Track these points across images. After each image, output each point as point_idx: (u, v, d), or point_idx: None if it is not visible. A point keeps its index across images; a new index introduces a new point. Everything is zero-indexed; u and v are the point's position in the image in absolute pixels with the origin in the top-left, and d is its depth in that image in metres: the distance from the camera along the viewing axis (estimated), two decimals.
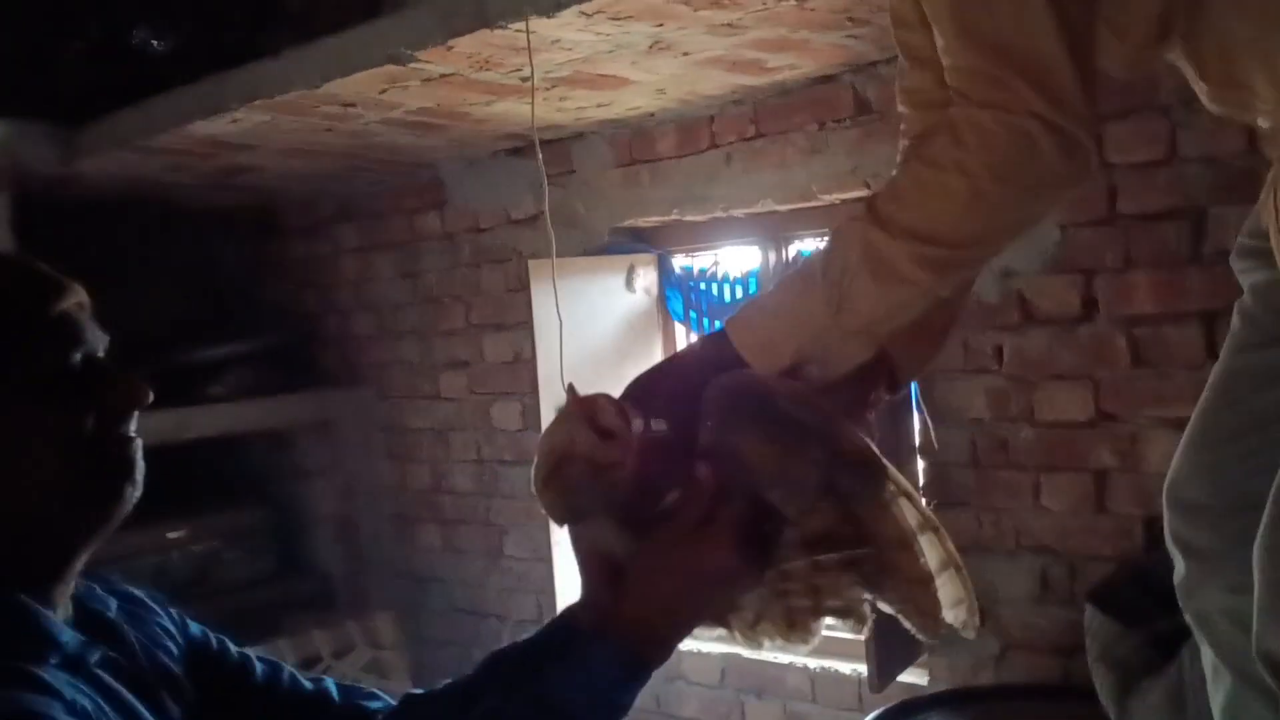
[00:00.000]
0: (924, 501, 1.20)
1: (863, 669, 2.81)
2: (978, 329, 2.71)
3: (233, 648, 1.31)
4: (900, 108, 1.40)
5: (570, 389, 1.20)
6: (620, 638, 1.12)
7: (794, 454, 1.14)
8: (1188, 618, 1.46)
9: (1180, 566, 1.44)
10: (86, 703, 1.02)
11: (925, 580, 1.16)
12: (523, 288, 3.56)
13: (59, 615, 1.10)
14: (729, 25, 2.33)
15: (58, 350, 1.08)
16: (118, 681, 1.10)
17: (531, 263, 3.25)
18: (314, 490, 4.11)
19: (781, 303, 1.18)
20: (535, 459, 1.18)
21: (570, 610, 1.27)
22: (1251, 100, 1.25)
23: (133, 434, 1.13)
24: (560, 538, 3.55)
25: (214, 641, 1.30)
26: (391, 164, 3.62)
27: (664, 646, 1.15)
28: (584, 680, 1.11)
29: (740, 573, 1.15)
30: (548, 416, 3.73)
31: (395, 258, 4.04)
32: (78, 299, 1.12)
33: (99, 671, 1.08)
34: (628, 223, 3.39)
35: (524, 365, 3.64)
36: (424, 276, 3.95)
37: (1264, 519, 1.20)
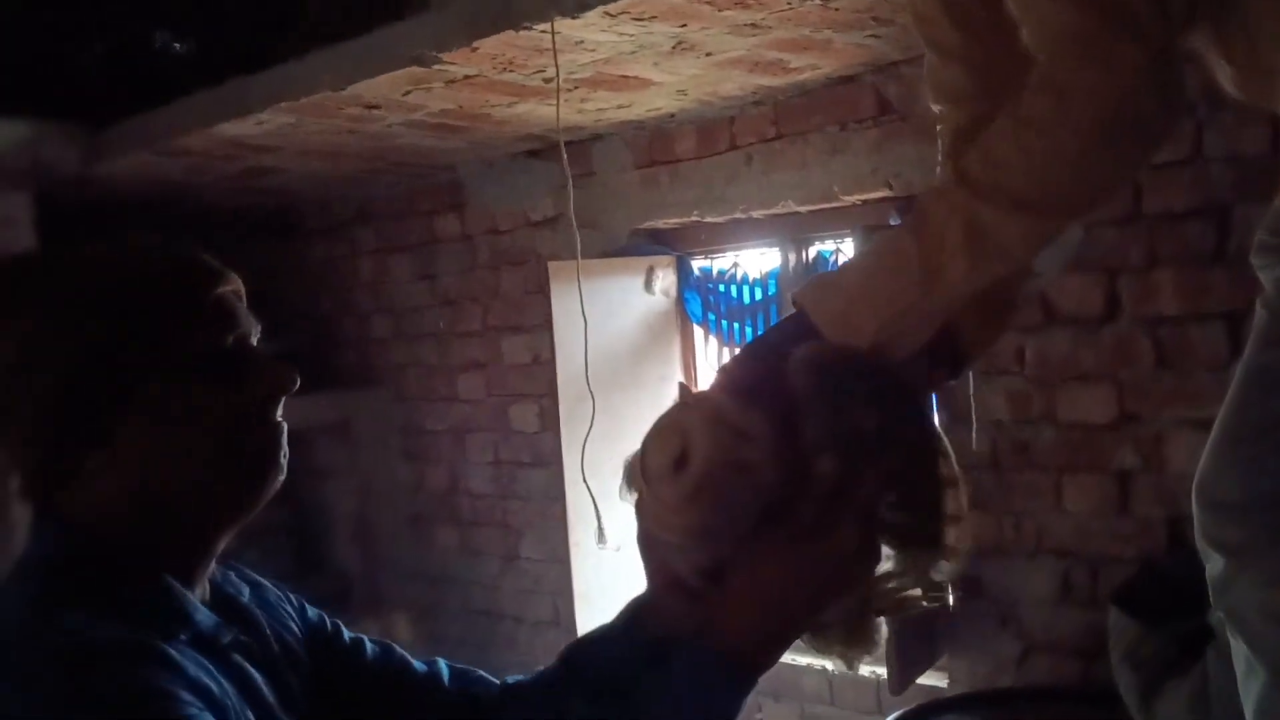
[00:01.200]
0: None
1: (881, 671, 2.81)
2: None
3: (345, 631, 1.35)
4: (933, 105, 1.40)
5: (683, 387, 1.13)
6: (729, 647, 1.05)
7: (901, 424, 1.11)
8: (1221, 614, 1.46)
9: (1214, 564, 1.44)
10: (211, 683, 1.04)
11: (958, 518, 1.16)
12: (540, 289, 3.57)
13: (196, 595, 1.13)
14: (752, 25, 2.34)
15: (213, 332, 1.12)
16: (249, 664, 1.14)
17: (551, 264, 3.26)
18: (331, 490, 4.12)
19: (866, 280, 1.15)
20: (649, 466, 1.08)
21: (647, 610, 1.20)
22: (1275, 88, 1.24)
23: (279, 419, 1.16)
24: (580, 539, 3.55)
25: (329, 624, 1.33)
26: (411, 166, 3.63)
27: (775, 652, 1.09)
28: (691, 696, 1.05)
29: (867, 565, 1.10)
30: (567, 418, 3.73)
31: (413, 260, 4.05)
32: (234, 286, 1.17)
33: (231, 653, 1.12)
34: (647, 224, 3.39)
35: (542, 367, 3.64)
36: (442, 278, 3.96)
37: None
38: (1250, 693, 1.39)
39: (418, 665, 1.35)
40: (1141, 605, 2.12)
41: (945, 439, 1.17)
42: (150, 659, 1.01)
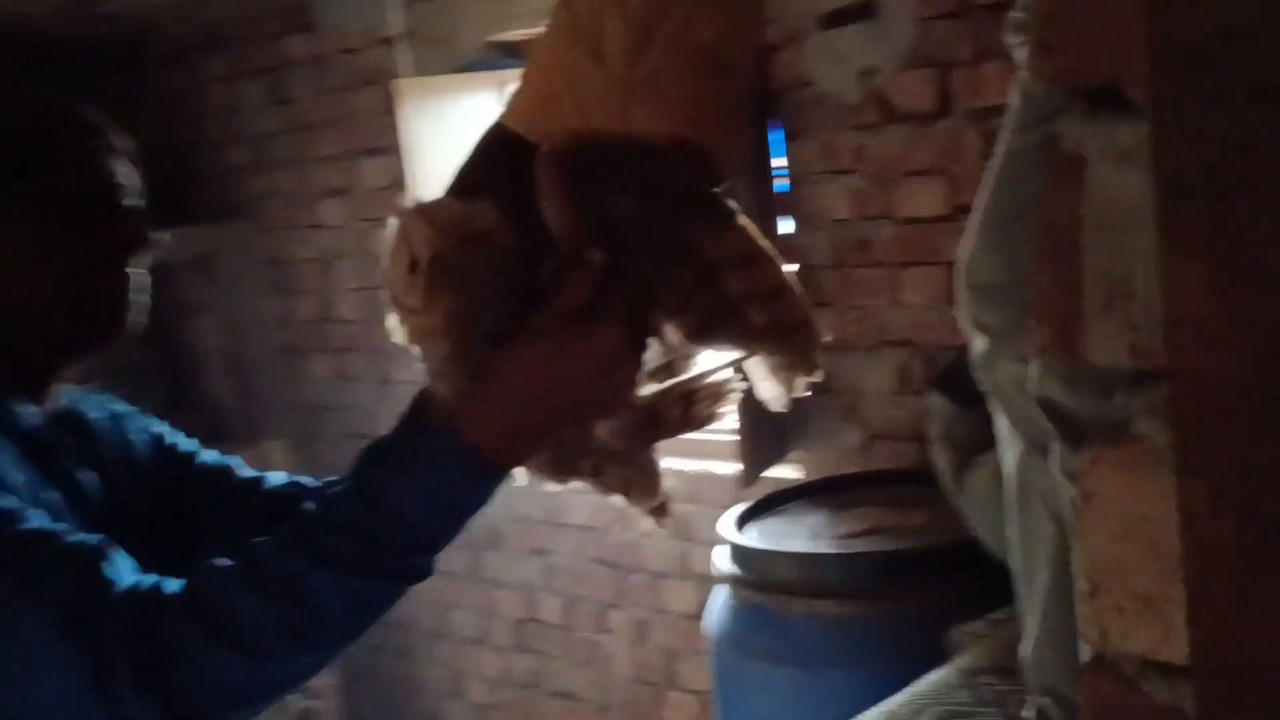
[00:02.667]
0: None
1: (739, 468, 2.91)
2: (838, 130, 2.74)
3: (185, 442, 1.44)
4: None
5: (398, 209, 1.07)
6: (471, 432, 1.02)
7: (657, 211, 1.06)
8: (987, 392, 1.54)
9: (977, 344, 1.51)
10: (11, 469, 1.16)
11: (784, 287, 1.11)
12: (389, 110, 3.52)
13: (38, 408, 1.25)
14: None
15: (80, 180, 1.22)
16: (77, 464, 1.27)
17: (396, 84, 3.21)
18: (200, 326, 4.09)
19: (542, 74, 1.11)
20: (392, 287, 1.04)
21: (423, 396, 1.17)
22: None
23: (133, 271, 1.25)
24: None
25: (173, 439, 1.43)
26: None
27: (521, 448, 1.06)
28: (420, 476, 1.03)
29: (625, 360, 1.05)
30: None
31: (264, 85, 3.94)
32: (121, 146, 1.26)
33: (56, 451, 1.24)
34: (499, 37, 3.34)
35: (401, 190, 3.61)
36: (295, 103, 3.87)
37: None
38: (1008, 461, 1.48)
39: (246, 472, 1.43)
40: (957, 388, 2.21)
41: (751, 232, 1.11)
42: None
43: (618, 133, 1.10)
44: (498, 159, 1.12)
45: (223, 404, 4.15)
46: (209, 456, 1.43)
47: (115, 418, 1.39)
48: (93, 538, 1.09)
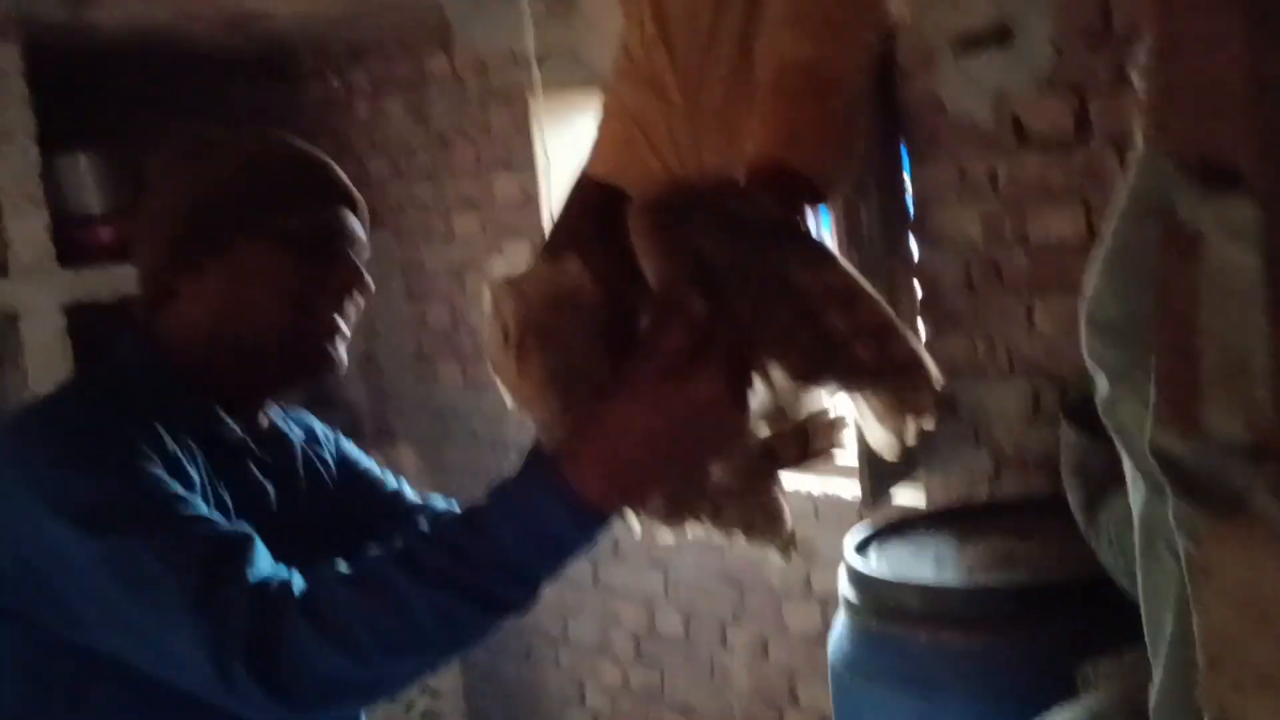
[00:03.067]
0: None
1: (860, 490, 2.89)
2: (972, 154, 2.71)
3: (371, 465, 1.59)
4: None
5: (490, 282, 1.08)
6: (572, 476, 1.04)
7: (753, 251, 1.04)
8: (1112, 433, 1.51)
9: (1101, 384, 1.48)
10: (188, 465, 1.26)
11: (889, 324, 1.07)
12: (525, 127, 3.59)
13: (238, 425, 1.37)
14: None
15: (320, 222, 1.35)
16: (262, 475, 1.38)
17: (533, 101, 3.27)
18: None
19: (615, 114, 1.10)
20: (492, 359, 1.06)
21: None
22: None
23: (342, 325, 1.38)
24: None
25: (356, 456, 1.57)
26: (396, 5, 3.61)
27: (624, 494, 1.07)
28: (520, 511, 1.06)
29: (728, 407, 1.03)
30: None
31: (406, 100, 4.05)
32: (360, 209, 1.43)
33: (245, 460, 1.37)
34: None
35: (533, 205, 3.68)
36: (434, 119, 3.97)
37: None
38: (1135, 504, 1.46)
39: (412, 496, 1.57)
40: (1092, 420, 2.17)
41: (849, 269, 1.08)
42: (129, 419, 1.24)
43: (705, 175, 1.10)
44: (588, 210, 1.14)
45: (357, 405, 4.27)
46: (389, 479, 1.57)
47: (312, 437, 1.52)
48: (242, 529, 1.18)
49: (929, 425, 1.10)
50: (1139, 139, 1.40)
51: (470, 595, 1.07)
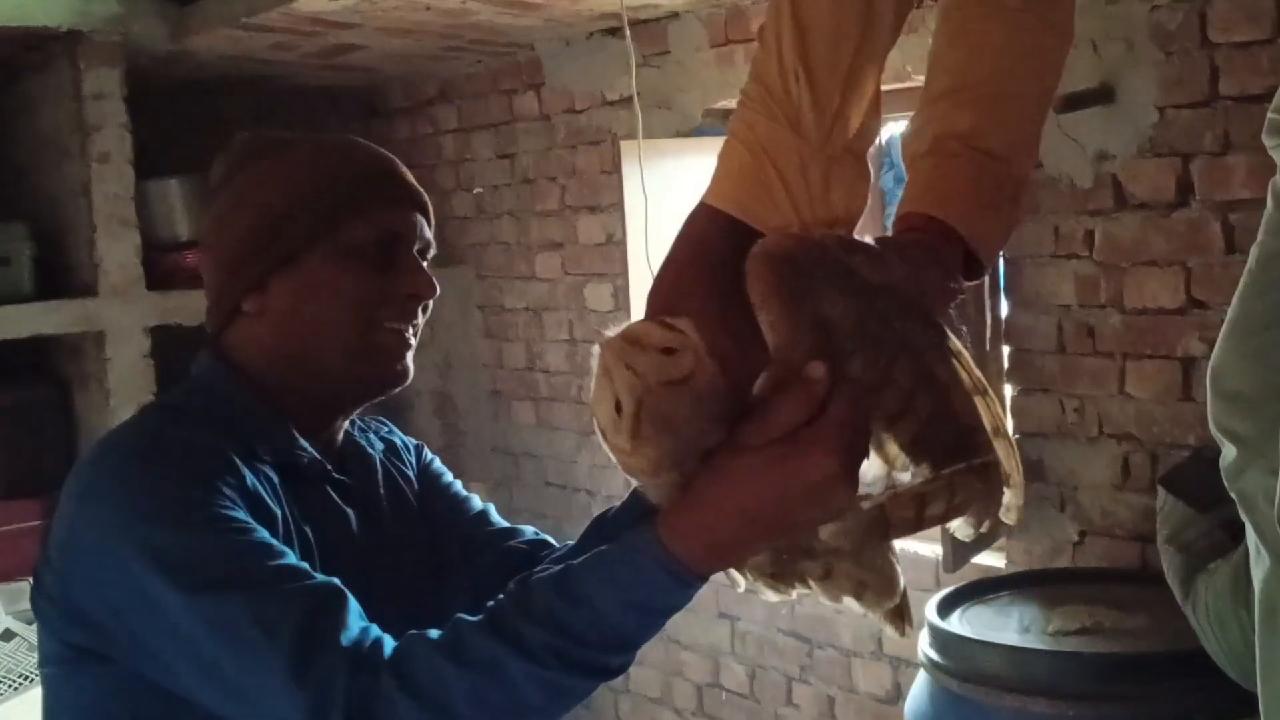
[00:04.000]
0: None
1: (940, 550, 2.84)
2: (1069, 214, 2.67)
3: (458, 486, 1.55)
4: None
5: (601, 337, 1.00)
6: (674, 542, 1.01)
7: (878, 317, 0.99)
8: (1236, 501, 1.47)
9: (1226, 452, 1.44)
10: (268, 498, 1.24)
11: (997, 433, 1.02)
12: (616, 169, 3.59)
13: (315, 443, 1.34)
14: None
15: (381, 229, 1.30)
16: (343, 500, 1.36)
17: (623, 143, 3.27)
18: (414, 365, 4.23)
19: (744, 140, 1.05)
20: (599, 422, 0.99)
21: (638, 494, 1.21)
22: None
23: (410, 335, 1.34)
24: None
25: (445, 476, 1.54)
26: (489, 44, 3.65)
27: (724, 559, 1.04)
28: (622, 577, 1.04)
29: (839, 482, 0.97)
30: (640, 298, 3.77)
31: (493, 138, 4.09)
32: (421, 206, 1.36)
33: (325, 486, 1.34)
34: (721, 104, 3.38)
35: (616, 247, 3.68)
36: (520, 157, 4.00)
37: None
38: (1257, 575, 1.41)
39: (499, 520, 1.53)
40: (1190, 490, 2.12)
41: (963, 346, 1.04)
42: (209, 456, 1.21)
43: (833, 233, 1.04)
44: (703, 248, 1.05)
45: (430, 442, 4.27)
46: (474, 500, 1.54)
47: (392, 450, 1.49)
48: (331, 584, 1.15)
49: (1001, 531, 1.06)
50: (1277, 181, 1.37)
51: (574, 667, 1.05)
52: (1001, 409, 1.06)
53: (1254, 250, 1.41)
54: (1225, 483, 1.45)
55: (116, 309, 3.41)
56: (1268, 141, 1.37)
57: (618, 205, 3.59)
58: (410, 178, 1.37)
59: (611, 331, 0.98)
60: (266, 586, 1.13)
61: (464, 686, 1.05)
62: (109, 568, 1.17)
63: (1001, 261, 2.83)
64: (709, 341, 0.98)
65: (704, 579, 1.03)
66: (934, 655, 2.22)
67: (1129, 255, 2.60)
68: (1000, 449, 1.03)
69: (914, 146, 1.14)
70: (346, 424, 1.41)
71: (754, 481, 0.98)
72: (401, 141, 4.35)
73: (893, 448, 1.02)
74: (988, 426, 1.02)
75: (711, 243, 1.05)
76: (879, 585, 1.08)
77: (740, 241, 1.04)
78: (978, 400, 1.02)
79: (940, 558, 2.84)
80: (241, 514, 1.18)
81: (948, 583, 2.78)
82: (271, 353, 1.31)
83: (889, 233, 1.14)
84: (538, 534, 1.51)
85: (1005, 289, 2.83)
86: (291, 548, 1.21)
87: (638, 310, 3.32)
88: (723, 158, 1.10)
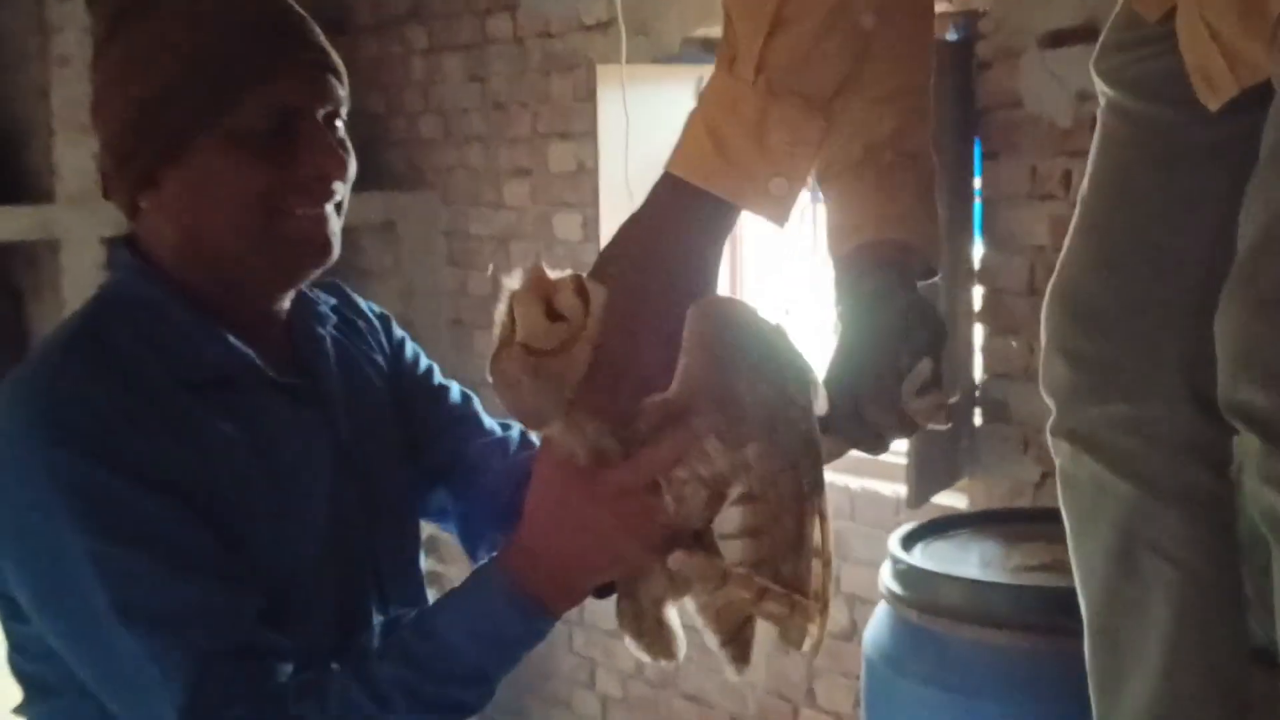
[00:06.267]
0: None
1: (902, 489, 2.85)
2: (1047, 154, 2.65)
3: (437, 375, 1.43)
4: None
5: (534, 267, 0.98)
6: (518, 573, 1.04)
7: (784, 422, 0.98)
8: (1056, 441, 1.44)
9: (1061, 376, 1.41)
10: (219, 425, 1.13)
11: (817, 597, 1.02)
12: (589, 97, 3.54)
13: (256, 346, 1.19)
14: None
15: (277, 106, 1.14)
16: (300, 403, 1.22)
17: (600, 68, 3.22)
18: (375, 291, 4.17)
19: (699, 99, 1.03)
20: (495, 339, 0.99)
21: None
22: None
23: (324, 209, 1.18)
24: None
25: (421, 363, 1.42)
26: None
27: (568, 592, 1.06)
28: (470, 609, 1.06)
29: (644, 536, 1.01)
30: (609, 229, 3.75)
31: (464, 61, 4.01)
32: (328, 62, 1.19)
33: (273, 394, 1.20)
34: (700, 32, 3.33)
35: (586, 176, 3.63)
36: (492, 81, 3.92)
37: (1241, 262, 1.12)
38: (1112, 514, 1.40)
39: (491, 424, 1.41)
40: None
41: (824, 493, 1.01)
42: (122, 416, 1.08)
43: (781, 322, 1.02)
44: (662, 214, 1.01)
45: None
46: (455, 390, 1.43)
47: (352, 331, 1.34)
48: (243, 622, 1.08)
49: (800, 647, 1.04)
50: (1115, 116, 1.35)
51: (432, 707, 1.05)
52: (831, 580, 1.04)
53: (1097, 166, 1.39)
54: (1055, 415, 1.42)
55: (73, 216, 3.34)
56: (1108, 63, 1.36)
57: (590, 133, 3.55)
58: (312, 29, 1.19)
59: (547, 269, 0.97)
60: (167, 625, 1.06)
61: None
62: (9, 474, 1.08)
63: (978, 202, 2.82)
64: (612, 324, 0.96)
65: (550, 613, 1.05)
66: (895, 588, 2.21)
67: None
68: (815, 606, 1.01)
69: (844, 155, 1.12)
70: (288, 306, 1.26)
71: (586, 520, 1.00)
72: (368, 61, 4.26)
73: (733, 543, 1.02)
74: (814, 584, 1.01)
75: (669, 213, 1.00)
76: (659, 643, 1.08)
77: (703, 209, 1.00)
78: (816, 560, 1.01)
79: (902, 497, 2.84)
80: (153, 501, 1.07)
81: (909, 519, 2.78)
82: (178, 251, 1.17)
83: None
84: (508, 431, 1.41)
85: (979, 229, 2.81)
86: (244, 484, 1.13)
87: (607, 242, 3.26)
88: (690, 124, 1.05)
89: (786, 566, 1.00)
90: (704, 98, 1.01)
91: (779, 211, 1.00)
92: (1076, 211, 1.45)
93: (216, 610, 1.06)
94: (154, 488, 1.07)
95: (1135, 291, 1.36)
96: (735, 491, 1.00)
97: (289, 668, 1.07)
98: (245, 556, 1.11)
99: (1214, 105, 1.23)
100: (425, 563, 1.38)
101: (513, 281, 0.98)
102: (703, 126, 0.99)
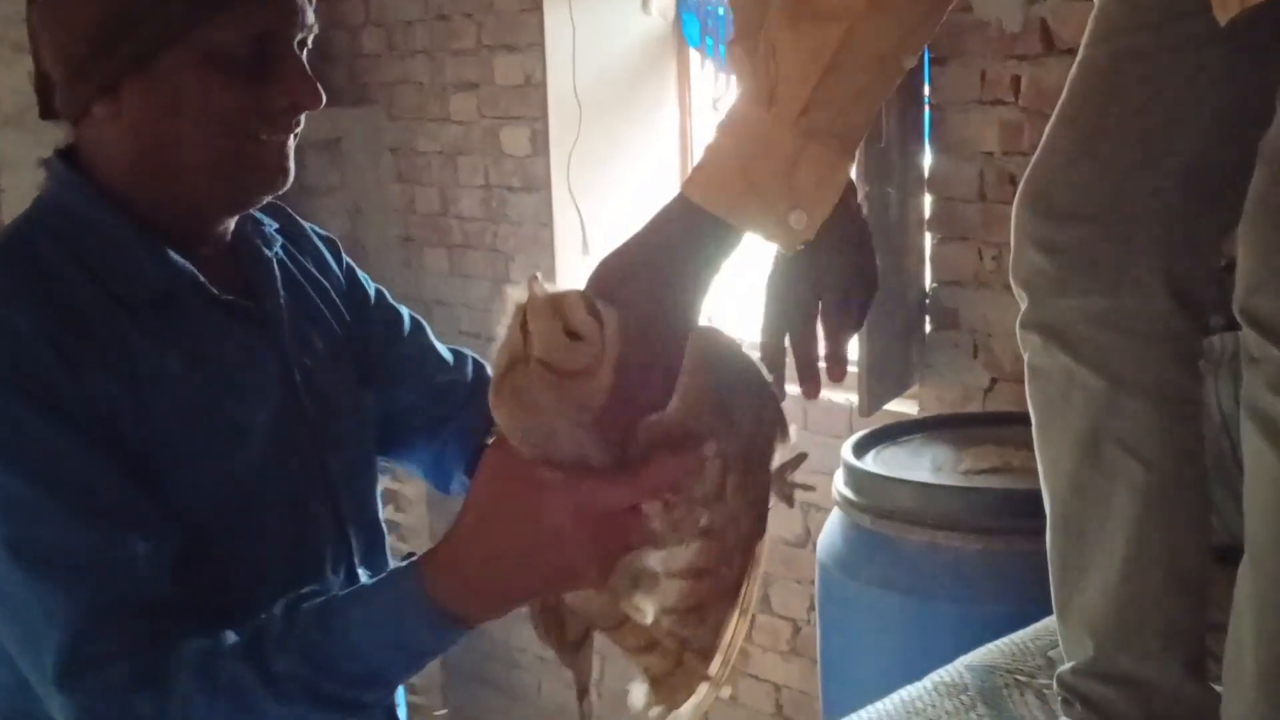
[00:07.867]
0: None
1: (854, 398, 2.86)
2: (996, 58, 2.65)
3: (389, 299, 1.41)
4: None
5: (534, 279, 0.92)
6: (434, 580, 0.97)
7: (758, 457, 0.98)
8: (1026, 334, 1.44)
9: (1035, 269, 1.41)
10: (153, 350, 1.10)
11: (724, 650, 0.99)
12: (535, 7, 3.48)
13: (195, 262, 1.17)
14: None
15: (254, 28, 1.10)
16: (244, 322, 1.19)
17: None
18: (321, 209, 4.11)
19: (719, 132, 1.00)
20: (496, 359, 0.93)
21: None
22: None
23: (287, 138, 1.15)
24: (568, 265, 3.57)
25: (371, 290, 1.39)
26: None
27: (485, 605, 0.98)
28: (379, 611, 1.00)
29: (592, 567, 0.94)
30: (558, 142, 3.69)
31: None
32: None
33: (215, 310, 1.17)
34: None
35: (534, 89, 3.59)
36: None
37: (1258, 181, 1.14)
38: (1086, 408, 1.40)
39: (446, 353, 1.40)
40: None
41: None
42: (76, 321, 1.07)
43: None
44: (672, 237, 0.98)
45: None
46: (405, 315, 1.41)
47: (294, 252, 1.31)
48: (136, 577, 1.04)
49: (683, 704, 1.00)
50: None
51: (329, 704, 1.01)
52: (745, 636, 1.01)
53: (1086, 60, 1.38)
54: (1025, 308, 1.42)
55: (10, 138, 3.27)
56: None
57: (538, 45, 3.50)
58: None
59: (545, 284, 0.92)
60: (58, 570, 1.02)
61: (215, 714, 1.00)
62: None
63: (926, 108, 2.81)
64: (626, 351, 0.91)
65: (464, 624, 0.98)
66: (848, 493, 2.24)
67: (1055, 102, 2.57)
68: (717, 661, 0.98)
69: None
70: (233, 228, 1.23)
71: (544, 530, 0.93)
72: None
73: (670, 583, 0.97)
74: (725, 638, 0.98)
75: (683, 239, 0.98)
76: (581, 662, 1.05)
77: (717, 234, 0.98)
78: (737, 614, 0.99)
79: (855, 405, 2.86)
80: (66, 438, 1.03)
81: (861, 427, 2.81)
82: (129, 164, 1.13)
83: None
84: (464, 360, 1.41)
85: (929, 136, 2.81)
86: (181, 408, 1.10)
87: (556, 156, 3.24)
88: (708, 151, 1.03)
89: (710, 617, 0.97)
90: (735, 130, 0.99)
91: (792, 241, 1.00)
92: (1057, 108, 1.44)
93: (113, 561, 1.02)
94: (69, 423, 1.03)
95: (1118, 181, 1.35)
96: (701, 523, 0.95)
97: (186, 629, 1.03)
98: (171, 494, 1.08)
99: (1223, 19, 1.20)
100: (383, 511, 1.35)
101: (519, 293, 0.91)
102: (736, 163, 0.97)
